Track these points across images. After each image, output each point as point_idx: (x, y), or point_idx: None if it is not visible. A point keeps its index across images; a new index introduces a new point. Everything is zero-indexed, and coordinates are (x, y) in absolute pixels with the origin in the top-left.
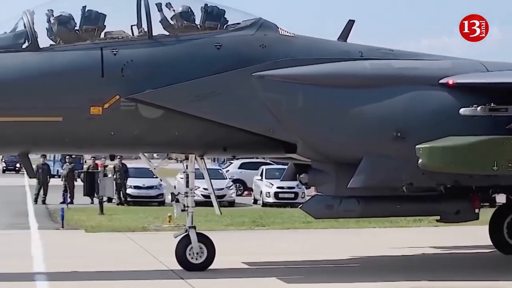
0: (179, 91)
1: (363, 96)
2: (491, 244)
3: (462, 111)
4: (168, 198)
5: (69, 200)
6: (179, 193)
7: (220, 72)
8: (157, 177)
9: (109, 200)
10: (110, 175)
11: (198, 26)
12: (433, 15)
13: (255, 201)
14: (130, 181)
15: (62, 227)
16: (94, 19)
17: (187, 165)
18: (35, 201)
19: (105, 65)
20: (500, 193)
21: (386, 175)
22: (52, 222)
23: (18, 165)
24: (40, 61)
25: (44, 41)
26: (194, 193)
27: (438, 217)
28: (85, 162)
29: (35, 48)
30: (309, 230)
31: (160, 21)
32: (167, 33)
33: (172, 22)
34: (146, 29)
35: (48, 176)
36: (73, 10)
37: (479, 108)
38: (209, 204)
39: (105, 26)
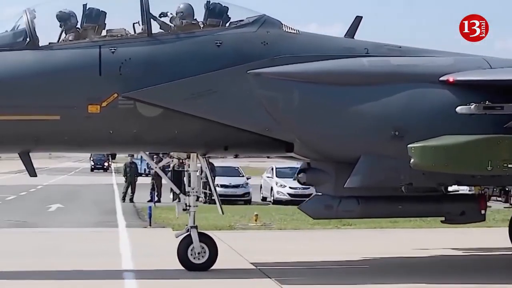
0: (174, 89)
1: (360, 94)
2: None
3: (458, 109)
4: (255, 197)
5: (156, 198)
6: (180, 192)
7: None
8: (243, 176)
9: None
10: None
11: (200, 23)
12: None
13: None
14: (217, 180)
15: (150, 225)
16: (94, 17)
17: (189, 164)
18: (123, 199)
19: (103, 63)
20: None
21: (384, 175)
22: (139, 220)
23: (106, 163)
24: (38, 59)
25: (43, 39)
26: (196, 192)
27: (443, 218)
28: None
29: (34, 46)
30: (397, 229)
31: (160, 19)
32: (167, 31)
33: (172, 20)
34: (145, 27)
35: (135, 175)
36: (74, 8)
37: (472, 106)
38: (297, 203)
39: (105, 24)
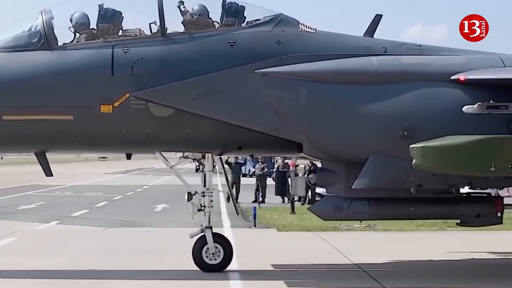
0: (181, 89)
1: (368, 94)
2: None
3: (464, 109)
4: None
5: (261, 199)
6: (196, 192)
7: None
8: None
9: (299, 199)
10: (300, 175)
11: (215, 23)
12: None
13: None
14: None
15: (254, 225)
16: (109, 17)
17: (204, 164)
18: (228, 200)
19: (115, 63)
20: None
21: (393, 177)
22: (244, 220)
23: None
24: (52, 60)
25: (58, 40)
26: (211, 192)
27: (458, 221)
28: (276, 161)
29: (49, 47)
30: (505, 231)
31: (177, 19)
32: (181, 31)
33: (187, 20)
34: (159, 27)
35: (240, 176)
36: (90, 8)
37: (476, 105)
38: None
39: (121, 24)
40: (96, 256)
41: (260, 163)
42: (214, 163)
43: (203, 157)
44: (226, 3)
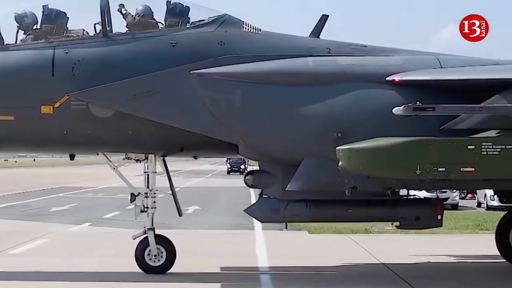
0: (116, 90)
1: (303, 95)
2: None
3: (394, 110)
4: None
5: None
6: (139, 193)
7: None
8: None
9: None
10: None
11: (158, 23)
12: None
13: (479, 205)
14: None
15: (286, 228)
16: (53, 18)
17: (147, 166)
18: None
19: (56, 64)
20: None
21: (327, 178)
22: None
23: (242, 166)
24: None
25: (3, 40)
26: (154, 194)
27: (398, 223)
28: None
29: None
30: None
31: (121, 19)
32: (123, 31)
33: (131, 21)
34: (102, 28)
35: None
36: (35, 8)
37: (402, 107)
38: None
39: (65, 25)
40: (128, 258)
41: None
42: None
43: (146, 158)
44: (171, 3)
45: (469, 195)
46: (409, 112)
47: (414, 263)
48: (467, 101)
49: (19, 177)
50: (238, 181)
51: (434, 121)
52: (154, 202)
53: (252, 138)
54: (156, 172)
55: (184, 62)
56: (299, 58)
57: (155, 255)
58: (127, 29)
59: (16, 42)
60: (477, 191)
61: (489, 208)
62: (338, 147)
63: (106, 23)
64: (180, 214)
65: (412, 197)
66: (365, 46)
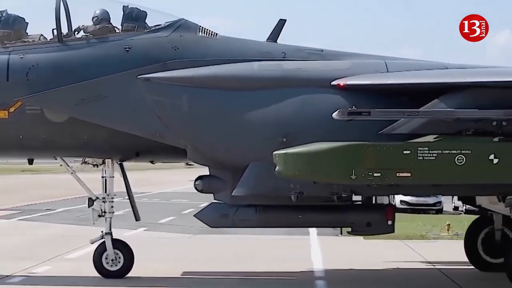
0: (64, 95)
1: (248, 99)
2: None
3: (334, 115)
4: (446, 206)
5: None
6: (97, 198)
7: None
8: None
9: None
10: None
11: (114, 28)
12: None
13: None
14: None
15: (341, 233)
16: (11, 23)
17: (105, 171)
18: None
19: (11, 69)
20: None
21: (273, 184)
22: (330, 228)
23: None
24: None
25: None
26: (112, 198)
27: (349, 229)
28: None
29: None
30: None
31: (77, 24)
32: (79, 37)
33: (86, 26)
34: (56, 33)
35: None
36: None
37: (336, 112)
38: None
39: (23, 30)
40: (183, 263)
41: None
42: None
43: (103, 162)
44: (128, 8)
45: None
46: (344, 117)
47: (471, 269)
48: (411, 106)
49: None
50: None
51: (377, 126)
52: (112, 207)
53: (198, 142)
54: (113, 177)
55: (137, 67)
56: (245, 62)
57: (112, 260)
58: (83, 32)
59: None
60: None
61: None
62: (275, 152)
63: (61, 29)
64: (136, 219)
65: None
66: (322, 51)
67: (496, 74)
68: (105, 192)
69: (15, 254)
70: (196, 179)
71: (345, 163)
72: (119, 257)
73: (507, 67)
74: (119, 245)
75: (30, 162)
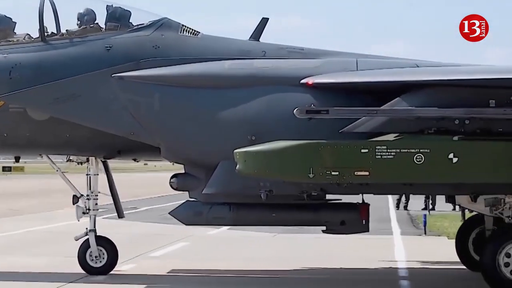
0: (40, 93)
1: (218, 98)
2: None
3: (295, 112)
4: None
5: (431, 206)
6: (81, 195)
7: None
8: None
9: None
10: None
11: (97, 27)
12: None
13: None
14: None
15: (425, 233)
16: None
17: (89, 168)
18: (397, 206)
19: None
20: None
21: (243, 182)
22: (414, 228)
23: None
24: None
25: None
26: (96, 196)
27: (324, 228)
28: None
29: None
30: None
31: (62, 23)
32: (62, 36)
33: (71, 25)
34: (40, 32)
35: None
36: None
37: (295, 110)
38: None
39: (11, 29)
40: (265, 262)
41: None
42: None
43: (88, 160)
44: (111, 7)
45: None
46: (302, 115)
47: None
48: (377, 104)
49: (156, 181)
50: None
51: (344, 124)
52: (96, 204)
53: (170, 141)
54: (97, 175)
55: (118, 66)
56: (217, 61)
57: (96, 256)
58: (64, 31)
59: None
60: None
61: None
62: (235, 150)
63: (44, 28)
64: (120, 216)
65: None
66: (303, 49)
67: (456, 72)
68: (89, 189)
69: None
70: (172, 177)
71: (302, 161)
72: (103, 254)
73: (483, 65)
74: (103, 242)
75: (17, 160)
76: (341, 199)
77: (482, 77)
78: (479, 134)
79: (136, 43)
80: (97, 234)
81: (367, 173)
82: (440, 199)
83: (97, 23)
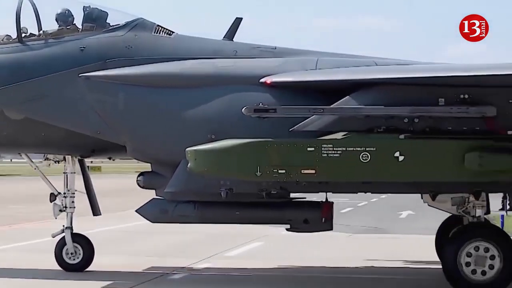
0: (9, 94)
1: (179, 97)
2: None
3: (242, 111)
4: None
5: (508, 207)
6: (59, 193)
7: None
8: None
9: None
10: None
11: (74, 28)
12: None
13: None
14: None
15: None
16: None
17: (66, 167)
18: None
19: None
20: None
21: (203, 180)
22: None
23: None
24: None
25: None
26: (73, 194)
27: (288, 226)
28: None
29: None
30: None
31: (43, 24)
32: (38, 37)
33: (45, 25)
34: (17, 33)
35: None
36: None
37: (244, 108)
38: None
39: None
40: (340, 262)
41: None
42: None
43: (64, 159)
44: (88, 8)
45: None
46: (250, 114)
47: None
48: (331, 102)
49: None
50: None
51: (296, 123)
52: (73, 202)
53: (135, 139)
54: (74, 173)
55: (91, 66)
56: (179, 61)
57: (72, 253)
58: (41, 32)
59: None
60: None
61: None
62: (187, 149)
63: (21, 28)
64: (94, 214)
65: (301, 199)
66: (275, 48)
67: (405, 70)
68: (66, 188)
69: (174, 251)
70: (138, 175)
71: (249, 160)
72: (79, 251)
73: (435, 64)
74: (79, 239)
75: None
76: (305, 197)
77: (430, 75)
78: (428, 133)
79: (109, 44)
80: (73, 232)
81: (313, 171)
82: None
83: (74, 24)
